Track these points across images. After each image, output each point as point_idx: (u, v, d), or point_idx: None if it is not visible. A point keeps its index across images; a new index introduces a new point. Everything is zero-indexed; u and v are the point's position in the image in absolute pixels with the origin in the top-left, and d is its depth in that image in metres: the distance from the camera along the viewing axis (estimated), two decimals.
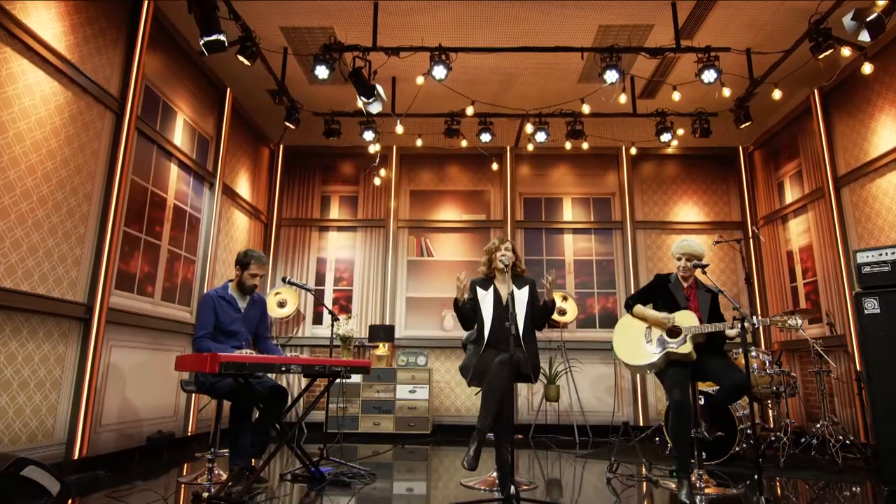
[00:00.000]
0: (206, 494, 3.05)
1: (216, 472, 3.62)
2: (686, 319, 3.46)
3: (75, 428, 3.69)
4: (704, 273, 3.52)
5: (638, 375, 6.48)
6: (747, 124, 6.00)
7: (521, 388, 6.57)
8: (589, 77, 6.01)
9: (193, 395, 5.13)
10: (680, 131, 6.40)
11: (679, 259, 3.59)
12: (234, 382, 3.23)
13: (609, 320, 6.74)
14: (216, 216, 5.59)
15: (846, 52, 4.75)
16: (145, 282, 4.53)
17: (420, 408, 5.99)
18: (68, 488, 3.03)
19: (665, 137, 6.29)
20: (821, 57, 4.84)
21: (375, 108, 5.44)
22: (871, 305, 3.58)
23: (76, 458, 3.66)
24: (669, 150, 7.10)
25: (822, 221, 5.65)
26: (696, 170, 7.19)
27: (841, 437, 4.47)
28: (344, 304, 6.87)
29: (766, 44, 5.30)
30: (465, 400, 6.57)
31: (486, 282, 3.70)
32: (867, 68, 4.50)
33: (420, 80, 5.40)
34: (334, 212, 7.19)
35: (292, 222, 7.13)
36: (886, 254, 3.60)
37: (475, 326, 3.80)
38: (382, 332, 6.29)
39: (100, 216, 3.99)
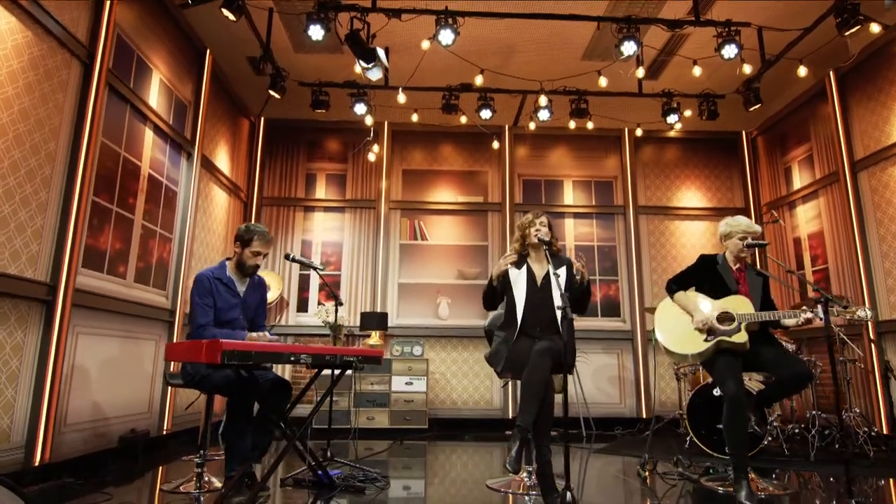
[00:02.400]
0: None
1: (206, 478, 3.13)
2: (740, 305, 3.15)
3: (36, 428, 3.14)
4: (760, 251, 3.21)
5: (641, 366, 6.24)
6: (757, 107, 5.79)
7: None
8: (593, 54, 5.68)
9: (170, 389, 4.60)
10: (687, 112, 6.15)
11: (743, 238, 3.26)
12: (234, 374, 2.76)
13: (612, 308, 6.47)
14: (194, 191, 5.02)
15: (875, 28, 4.55)
16: (116, 260, 3.96)
17: (417, 401, 5.57)
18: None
19: (672, 119, 6.03)
20: (847, 34, 4.64)
21: (375, 74, 4.97)
22: None
23: (38, 464, 3.11)
24: (672, 134, 6.86)
25: (835, 207, 5.48)
26: (698, 154, 6.97)
27: (866, 430, 4.29)
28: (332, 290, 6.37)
29: (778, 23, 5.03)
30: (461, 392, 6.19)
31: (520, 259, 3.30)
32: None
33: (426, 44, 4.96)
34: (320, 191, 6.67)
35: (274, 201, 6.58)
36: None
37: (498, 310, 3.42)
38: (375, 320, 5.84)
39: (65, 181, 3.41)
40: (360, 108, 5.88)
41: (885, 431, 4.58)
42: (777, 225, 6.36)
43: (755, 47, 5.23)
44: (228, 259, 3.25)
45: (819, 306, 2.86)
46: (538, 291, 3.22)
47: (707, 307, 3.22)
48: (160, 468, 3.80)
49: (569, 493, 2.42)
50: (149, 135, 4.36)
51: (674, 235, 6.71)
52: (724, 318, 3.17)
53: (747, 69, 5.12)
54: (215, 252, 5.64)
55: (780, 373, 2.99)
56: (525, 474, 3.27)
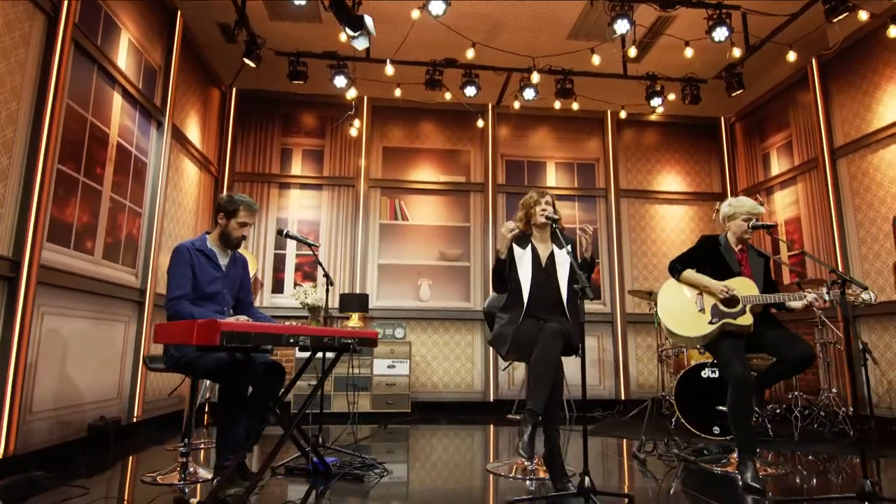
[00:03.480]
0: (194, 501, 2.39)
1: (191, 468, 2.93)
2: (745, 287, 3.13)
3: None
4: (770, 233, 3.20)
5: (620, 348, 6.28)
6: (739, 92, 5.83)
7: (502, 362, 6.18)
8: (579, 33, 5.57)
9: (140, 373, 4.32)
10: (671, 96, 6.15)
11: (748, 219, 3.24)
12: (229, 357, 2.56)
13: (593, 292, 6.45)
14: (165, 163, 4.69)
15: (864, 15, 4.60)
16: (84, 235, 3.64)
17: (399, 384, 5.44)
18: None
19: (655, 102, 6.01)
20: (835, 21, 4.68)
21: (362, 43, 4.70)
22: None
23: (2, 456, 2.84)
24: (653, 117, 6.86)
25: (813, 193, 5.59)
26: (678, 138, 7.00)
27: (843, 409, 4.42)
28: (308, 270, 6.14)
29: (762, 8, 5.02)
30: (441, 375, 6.09)
31: (524, 239, 3.19)
32: (893, 31, 4.35)
33: (415, 14, 4.78)
34: (296, 167, 6.38)
35: (247, 177, 6.26)
36: None
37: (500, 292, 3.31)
38: (356, 302, 5.65)
39: (28, 146, 3.09)
40: (340, 81, 5.63)
41: (863, 412, 4.72)
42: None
43: (739, 30, 5.23)
44: (208, 233, 3.03)
45: (824, 288, 2.86)
46: (543, 272, 3.13)
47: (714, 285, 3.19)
48: (135, 458, 3.57)
49: (587, 479, 2.35)
50: (117, 99, 4.02)
51: (654, 219, 6.74)
52: (729, 300, 3.14)
53: (737, 52, 5.13)
54: (186, 228, 5.33)
55: (784, 354, 2.99)
56: (523, 455, 3.19)
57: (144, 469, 3.19)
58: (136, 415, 4.27)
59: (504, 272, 3.11)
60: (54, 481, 2.82)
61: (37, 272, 3.08)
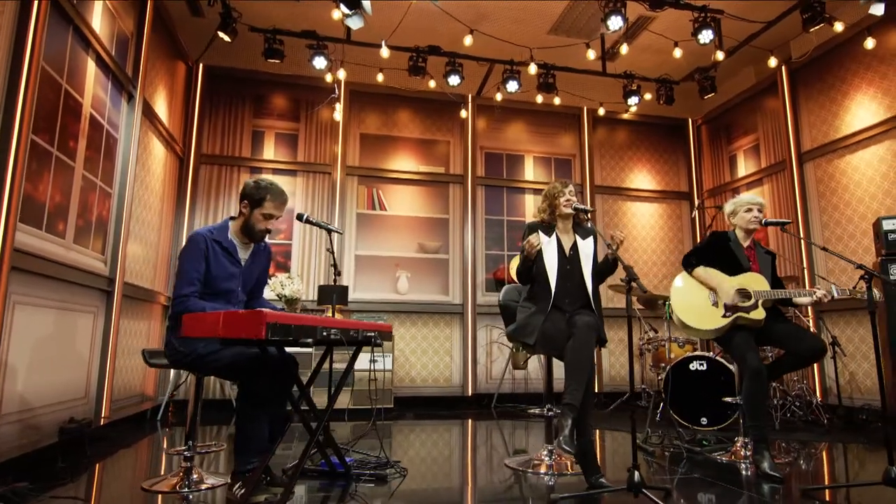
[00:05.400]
0: None
1: (195, 474, 2.67)
2: (756, 282, 3.22)
3: None
4: (784, 230, 3.29)
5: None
6: (711, 95, 6.05)
7: (480, 354, 6.14)
8: (559, 29, 5.59)
9: (108, 370, 3.93)
10: (648, 96, 6.29)
11: (749, 210, 3.34)
12: (249, 352, 2.35)
13: None
14: (136, 139, 4.29)
15: (839, 27, 4.85)
16: (56, 215, 3.25)
17: (381, 379, 5.27)
18: None
19: (633, 101, 6.13)
20: (812, 31, 4.91)
21: (356, 22, 4.52)
22: None
23: None
24: (625, 116, 7.00)
25: (780, 194, 5.88)
26: (648, 138, 7.18)
27: (815, 399, 4.68)
28: (281, 260, 5.84)
29: (739, 13, 5.18)
30: (420, 370, 5.96)
31: (548, 229, 3.13)
32: (869, 43, 4.62)
33: None
34: (269, 151, 6.04)
35: (215, 159, 5.86)
36: None
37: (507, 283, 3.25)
38: (336, 294, 5.41)
39: (2, 111, 2.70)
40: (319, 62, 5.37)
41: (829, 401, 5.02)
42: (710, 211, 6.73)
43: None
44: (232, 218, 2.75)
45: (871, 278, 2.93)
46: (567, 263, 3.09)
47: (726, 284, 3.26)
48: (116, 463, 3.23)
49: (636, 473, 2.32)
50: (91, 66, 3.61)
51: (626, 216, 6.89)
52: (742, 294, 3.22)
53: (720, 55, 5.29)
54: (153, 213, 4.92)
55: (795, 347, 3.10)
56: (545, 453, 3.15)
57: (129, 474, 2.90)
58: (103, 415, 3.89)
59: (532, 268, 3.04)
60: (37, 492, 2.49)
61: (10, 256, 2.71)
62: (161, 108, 5.02)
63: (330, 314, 5.48)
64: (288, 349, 2.73)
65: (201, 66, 5.89)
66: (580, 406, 2.71)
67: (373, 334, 2.75)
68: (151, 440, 4.02)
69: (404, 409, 5.50)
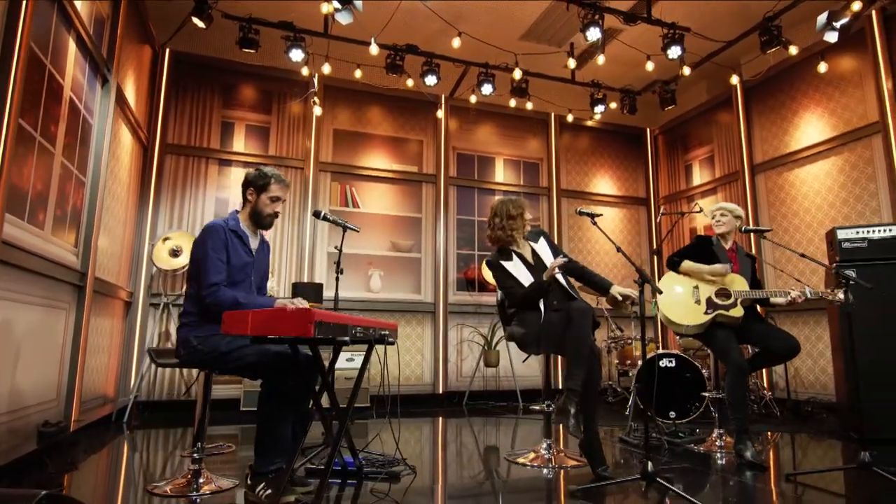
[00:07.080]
0: None
1: (203, 477, 2.59)
2: (736, 283, 3.47)
3: None
4: (763, 237, 3.56)
5: None
6: (671, 107, 6.40)
7: (451, 353, 6.21)
8: (531, 35, 5.77)
9: (79, 371, 3.71)
10: (613, 104, 6.57)
11: (713, 216, 3.63)
12: (275, 350, 2.32)
13: None
14: (109, 126, 4.07)
15: (794, 50, 5.27)
16: (37, 205, 3.05)
17: (365, 378, 5.22)
18: None
19: (599, 109, 6.39)
20: (769, 52, 5.31)
21: (346, 18, 4.48)
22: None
23: None
24: (589, 123, 7.27)
25: (733, 202, 6.29)
26: (609, 145, 7.49)
27: (769, 393, 5.08)
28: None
29: (703, 31, 5.52)
30: (392, 368, 5.96)
31: (504, 252, 3.30)
32: (822, 67, 5.04)
33: None
34: (239, 143, 5.85)
35: (182, 150, 5.61)
36: (861, 232, 4.06)
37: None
38: (311, 292, 5.32)
39: None
40: (296, 55, 5.27)
41: (776, 395, 5.44)
42: (673, 217, 7.12)
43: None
44: (238, 211, 2.71)
45: (807, 287, 3.26)
46: (536, 270, 3.25)
47: (707, 284, 3.50)
48: (107, 467, 3.07)
49: (649, 463, 2.46)
50: (72, 47, 3.40)
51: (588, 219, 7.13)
52: (722, 293, 3.47)
53: (686, 71, 5.60)
54: (119, 204, 4.66)
55: (771, 345, 3.36)
56: (544, 447, 3.26)
57: (128, 478, 2.76)
58: (73, 418, 3.67)
59: (540, 297, 3.14)
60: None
61: None
62: (130, 93, 4.77)
63: None
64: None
65: (167, 51, 5.63)
66: (585, 398, 2.82)
67: (386, 332, 2.77)
68: (128, 442, 3.82)
69: (381, 406, 5.48)
